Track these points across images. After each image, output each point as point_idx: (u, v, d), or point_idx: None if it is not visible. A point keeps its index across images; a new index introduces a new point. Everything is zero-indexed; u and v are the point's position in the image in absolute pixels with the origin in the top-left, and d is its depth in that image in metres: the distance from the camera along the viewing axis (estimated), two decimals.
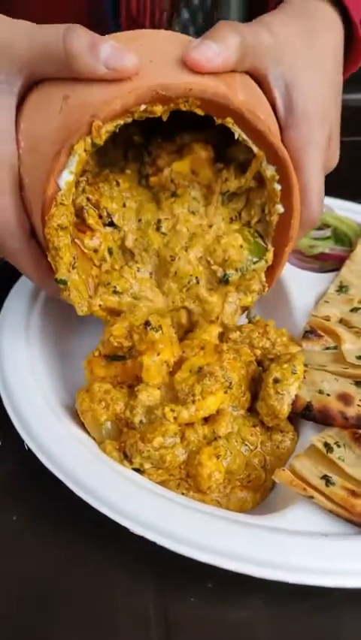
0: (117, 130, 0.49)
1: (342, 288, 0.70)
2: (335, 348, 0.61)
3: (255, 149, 0.53)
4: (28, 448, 0.53)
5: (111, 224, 0.60)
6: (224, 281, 0.61)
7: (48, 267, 0.53)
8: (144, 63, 0.49)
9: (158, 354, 0.56)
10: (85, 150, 0.48)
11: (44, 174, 0.49)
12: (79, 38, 0.47)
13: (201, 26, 0.91)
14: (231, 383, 0.55)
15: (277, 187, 0.56)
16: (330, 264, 0.77)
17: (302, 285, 0.72)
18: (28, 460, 0.52)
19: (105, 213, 0.59)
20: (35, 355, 0.63)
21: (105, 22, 0.84)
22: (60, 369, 0.65)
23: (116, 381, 0.58)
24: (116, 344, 0.57)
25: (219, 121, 0.51)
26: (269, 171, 0.55)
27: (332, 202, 0.87)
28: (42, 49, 0.48)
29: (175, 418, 0.51)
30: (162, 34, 0.58)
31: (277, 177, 0.55)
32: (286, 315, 0.69)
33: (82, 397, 0.55)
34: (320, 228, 0.82)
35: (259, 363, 0.61)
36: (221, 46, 0.50)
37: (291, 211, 0.57)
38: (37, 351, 0.64)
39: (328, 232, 0.81)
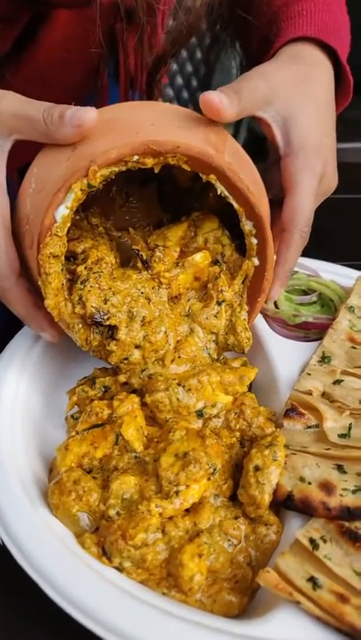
0: (112, 177, 0.56)
1: (325, 359, 0.67)
2: (317, 426, 0.58)
3: (235, 204, 0.59)
4: (3, 543, 0.48)
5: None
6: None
7: (34, 302, 0.61)
8: (146, 125, 0.57)
9: (136, 416, 0.57)
10: (81, 189, 0.55)
11: (45, 210, 0.55)
12: (54, 111, 0.55)
13: (194, 89, 0.95)
14: (215, 469, 0.52)
15: (254, 241, 0.61)
16: (314, 332, 0.74)
17: (287, 355, 0.69)
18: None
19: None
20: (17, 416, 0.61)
21: (106, 89, 0.95)
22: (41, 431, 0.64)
23: (92, 451, 0.55)
24: (97, 411, 0.58)
25: (204, 177, 0.58)
26: (247, 226, 0.60)
27: (317, 265, 0.85)
28: (27, 121, 0.56)
29: (161, 514, 0.47)
30: (167, 105, 0.65)
31: (254, 232, 0.60)
32: (270, 387, 0.66)
33: (53, 490, 0.51)
34: (305, 293, 0.80)
35: (241, 442, 0.58)
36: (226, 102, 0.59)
37: (265, 263, 0.62)
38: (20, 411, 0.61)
39: (313, 297, 0.79)
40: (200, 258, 0.64)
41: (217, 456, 0.53)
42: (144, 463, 0.55)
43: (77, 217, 0.70)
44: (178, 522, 0.49)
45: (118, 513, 0.49)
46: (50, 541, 0.47)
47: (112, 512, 0.49)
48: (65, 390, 0.68)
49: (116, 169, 0.56)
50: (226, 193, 0.59)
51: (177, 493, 0.49)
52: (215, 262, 0.67)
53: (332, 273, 0.84)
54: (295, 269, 0.84)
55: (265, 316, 0.76)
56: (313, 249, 0.73)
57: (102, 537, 0.48)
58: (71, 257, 0.64)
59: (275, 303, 0.78)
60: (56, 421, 0.66)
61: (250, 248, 0.62)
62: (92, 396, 0.62)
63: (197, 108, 0.63)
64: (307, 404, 0.60)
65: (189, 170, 0.58)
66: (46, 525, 0.49)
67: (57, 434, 0.64)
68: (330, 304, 0.78)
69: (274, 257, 0.63)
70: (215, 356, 0.64)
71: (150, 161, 0.56)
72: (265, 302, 0.66)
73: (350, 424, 0.57)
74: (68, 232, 0.65)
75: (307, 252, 0.69)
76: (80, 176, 0.54)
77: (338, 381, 0.64)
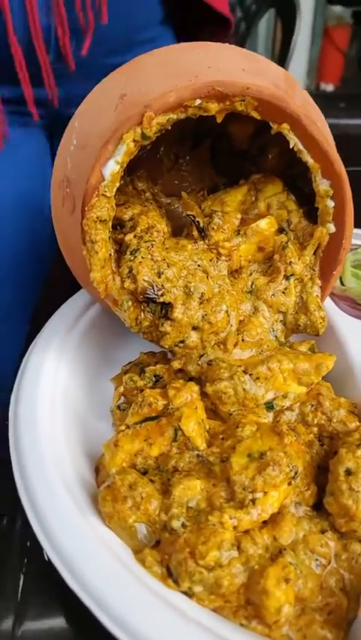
0: (170, 126, 0.48)
1: None
2: None
3: (310, 160, 0.50)
4: (48, 559, 0.40)
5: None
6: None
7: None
8: (203, 68, 0.48)
9: (197, 408, 0.48)
10: (134, 140, 0.46)
11: (90, 167, 0.47)
12: None
13: None
14: (296, 472, 0.43)
15: (330, 204, 0.52)
16: None
17: (358, 336, 0.60)
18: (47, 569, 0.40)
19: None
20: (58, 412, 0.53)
21: None
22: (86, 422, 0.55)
23: (147, 448, 0.47)
24: (151, 402, 0.49)
25: (275, 127, 0.49)
26: (323, 186, 0.52)
27: None
28: None
29: (235, 527, 0.39)
30: (224, 46, 0.55)
31: (330, 192, 0.51)
32: (345, 376, 0.57)
33: (104, 496, 0.43)
34: None
35: (319, 439, 0.49)
36: None
37: (343, 229, 0.53)
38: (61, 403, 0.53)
39: None
40: (265, 225, 0.55)
41: (298, 456, 0.44)
42: (208, 464, 0.46)
43: (122, 181, 0.61)
44: (256, 537, 0.40)
45: (184, 525, 0.41)
46: (105, 558, 0.39)
47: (176, 524, 0.41)
48: (109, 377, 0.60)
49: (175, 116, 0.47)
50: (300, 146, 0.50)
51: (253, 501, 0.41)
52: (281, 230, 0.58)
53: None
54: (357, 241, 0.74)
55: (332, 295, 0.67)
56: None
57: (166, 554, 0.40)
58: (117, 225, 0.55)
59: (340, 280, 0.68)
60: (99, 411, 0.58)
61: (326, 212, 0.53)
62: (141, 387, 0.54)
63: None
64: None
65: (258, 118, 0.49)
66: (98, 538, 0.41)
67: (102, 427, 0.56)
68: None
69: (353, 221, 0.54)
70: (282, 339, 0.56)
71: (213, 107, 0.47)
72: None
73: None
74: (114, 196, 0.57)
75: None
76: (133, 125, 0.46)
77: None
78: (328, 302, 0.65)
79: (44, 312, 0.63)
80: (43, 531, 0.41)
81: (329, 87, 3.41)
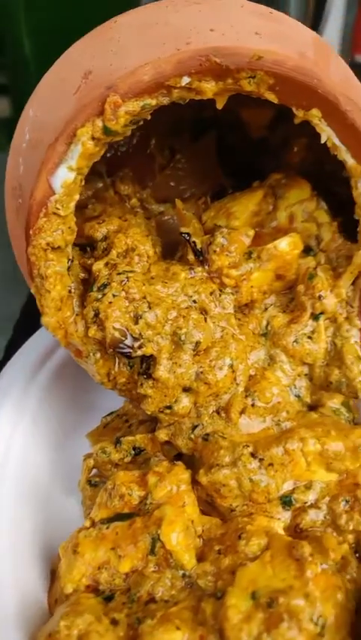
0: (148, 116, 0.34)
1: None
2: None
3: (350, 160, 0.36)
4: None
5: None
6: None
7: None
8: (203, 30, 0.33)
9: (184, 505, 0.35)
10: (93, 138, 0.33)
11: (35, 176, 0.34)
12: None
13: None
14: (323, 626, 0.29)
15: None
16: None
17: None
18: None
19: None
20: None
21: None
22: None
23: (114, 560, 0.34)
24: (123, 493, 0.36)
25: (300, 114, 0.35)
26: None
27: None
28: None
29: None
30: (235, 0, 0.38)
31: None
32: None
33: None
34: None
35: (356, 551, 0.35)
36: None
37: None
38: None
39: None
40: (287, 246, 0.41)
41: (326, 599, 0.30)
42: (198, 592, 0.33)
43: (100, 185, 0.47)
44: None
45: None
46: None
47: None
48: (86, 430, 0.47)
49: (153, 101, 0.33)
50: (336, 140, 0.35)
51: None
52: (307, 250, 0.44)
53: None
54: None
55: None
56: None
57: None
58: (88, 246, 0.42)
59: None
60: (69, 484, 0.45)
61: None
62: (116, 461, 0.40)
63: None
64: None
65: (276, 101, 0.34)
66: None
67: (70, 506, 0.43)
68: None
69: None
70: (308, 399, 0.41)
71: (209, 87, 0.33)
72: None
73: None
74: (84, 207, 0.43)
75: None
76: (92, 115, 0.32)
77: None
78: None
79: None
80: None
81: None
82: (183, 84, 0.32)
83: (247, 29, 0.36)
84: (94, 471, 0.42)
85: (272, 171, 0.46)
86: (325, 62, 0.38)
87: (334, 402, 0.43)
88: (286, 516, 0.36)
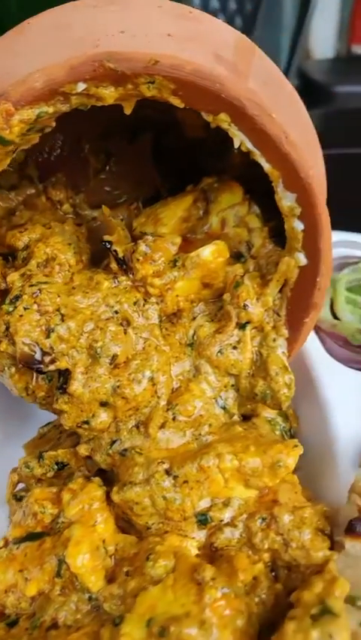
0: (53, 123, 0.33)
1: None
2: None
3: (266, 164, 0.35)
4: None
5: None
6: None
7: None
8: (112, 32, 0.32)
9: (95, 524, 0.34)
10: None
11: None
12: None
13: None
14: None
15: (299, 226, 0.36)
16: None
17: (351, 398, 0.43)
18: None
19: None
20: None
21: None
22: None
23: (22, 584, 0.33)
24: (36, 511, 0.35)
25: (209, 118, 0.34)
26: (287, 201, 0.35)
27: None
28: None
29: None
30: (153, 1, 0.37)
31: (297, 211, 0.35)
32: (323, 454, 0.41)
33: None
34: None
35: (273, 570, 0.34)
36: None
37: (317, 263, 0.37)
38: None
39: None
40: (210, 254, 0.39)
41: (224, 625, 0.29)
42: (103, 616, 0.32)
43: (32, 191, 0.46)
44: None
45: None
46: None
47: None
48: (22, 441, 0.46)
49: (51, 109, 0.32)
50: (250, 145, 0.34)
51: None
52: (238, 257, 0.42)
53: None
54: (358, 252, 0.57)
55: (318, 330, 0.50)
56: None
57: None
58: (10, 255, 0.41)
59: (331, 309, 0.52)
60: (2, 494, 0.44)
61: (293, 236, 0.37)
62: (39, 476, 0.39)
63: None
64: None
65: (182, 106, 0.33)
66: None
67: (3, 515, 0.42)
68: None
69: (332, 251, 0.37)
70: (235, 411, 0.40)
71: (108, 93, 0.32)
72: None
73: None
74: (12, 214, 0.42)
75: None
76: None
77: None
78: (312, 342, 0.49)
79: None
80: None
81: None
82: (79, 90, 0.31)
83: (159, 31, 0.35)
84: (22, 485, 0.42)
85: (217, 173, 0.45)
86: (245, 63, 0.36)
87: (269, 412, 0.42)
88: (201, 535, 0.34)
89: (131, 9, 0.37)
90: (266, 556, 0.34)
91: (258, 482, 0.35)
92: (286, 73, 1.84)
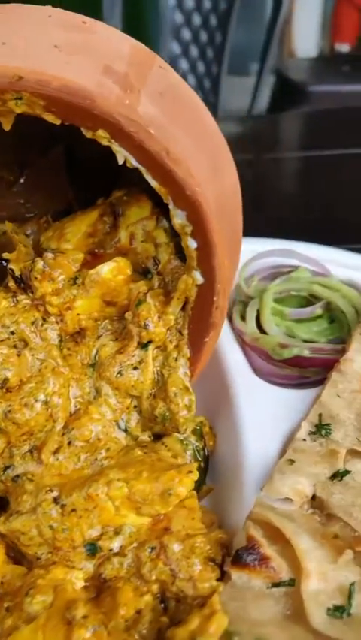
0: None
1: (321, 429, 0.40)
2: (290, 583, 0.32)
3: (153, 182, 0.33)
4: None
5: None
6: None
7: None
8: None
9: None
10: None
11: None
12: None
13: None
14: None
15: (192, 244, 0.35)
16: (313, 371, 0.47)
17: (266, 416, 0.42)
18: None
19: None
20: None
21: None
22: None
23: None
24: None
25: (89, 135, 0.33)
26: (178, 218, 0.34)
27: (329, 254, 0.57)
28: None
29: None
30: (39, 9, 0.36)
31: (188, 229, 0.33)
32: (234, 476, 0.40)
33: None
34: (306, 303, 0.52)
35: (162, 601, 0.33)
36: None
37: (212, 282, 0.36)
38: None
39: (317, 309, 0.51)
40: (108, 272, 0.38)
41: None
42: None
43: None
44: None
45: None
46: None
47: None
48: None
49: None
50: (134, 162, 0.33)
51: None
52: (145, 273, 0.41)
53: (353, 269, 0.56)
54: (295, 262, 0.56)
55: (243, 344, 0.49)
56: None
57: None
58: None
59: (258, 322, 0.51)
60: None
61: (189, 255, 0.35)
62: None
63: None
64: (276, 534, 0.33)
65: (58, 122, 0.32)
66: None
67: None
68: (343, 322, 0.50)
69: (228, 270, 0.36)
70: (138, 432, 0.39)
71: None
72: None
73: (353, 584, 0.31)
74: None
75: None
76: None
77: (339, 475, 0.37)
78: (235, 354, 0.48)
79: None
80: None
81: (345, 47, 3.12)
82: None
83: (44, 42, 0.33)
84: None
85: (122, 188, 0.44)
86: (139, 75, 0.35)
87: (187, 429, 0.41)
88: (88, 565, 0.33)
89: (17, 19, 0.35)
90: (155, 587, 0.32)
91: (150, 509, 0.34)
92: (260, 71, 1.82)
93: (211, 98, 1.85)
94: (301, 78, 1.99)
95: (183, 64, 1.82)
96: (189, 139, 0.36)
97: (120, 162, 0.33)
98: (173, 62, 1.79)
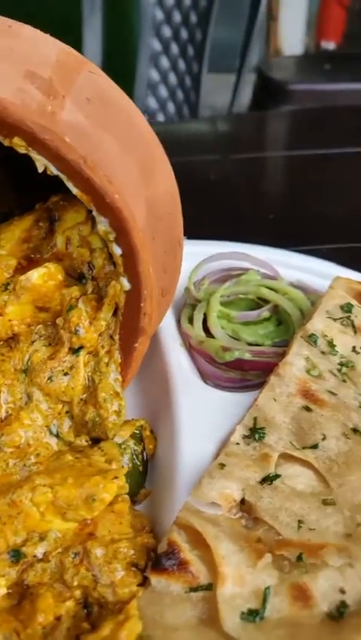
0: None
1: (255, 433, 0.40)
2: (208, 588, 0.32)
3: (74, 190, 0.33)
4: None
5: None
6: None
7: None
8: None
9: None
10: None
11: None
12: None
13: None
14: None
15: (117, 251, 0.35)
16: (255, 374, 0.47)
17: (205, 419, 0.42)
18: None
19: None
20: None
21: None
22: None
23: None
24: None
25: (6, 143, 0.32)
26: (102, 225, 0.34)
27: (280, 256, 0.57)
28: None
29: None
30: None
31: (112, 235, 0.34)
32: (169, 480, 0.40)
33: None
34: (256, 306, 0.52)
35: (85, 607, 0.33)
36: None
37: (138, 288, 0.36)
38: None
39: (265, 312, 0.51)
40: (39, 278, 0.38)
41: None
42: None
43: None
44: None
45: None
46: None
47: None
48: None
49: None
50: (54, 169, 0.33)
51: None
52: (80, 278, 0.41)
53: (304, 271, 0.56)
54: (245, 264, 0.56)
55: (190, 348, 0.49)
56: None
57: None
58: None
59: (204, 324, 0.51)
60: None
61: (116, 261, 0.36)
62: None
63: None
64: (199, 540, 0.33)
65: None
66: None
67: None
68: (290, 324, 0.50)
69: (154, 276, 0.36)
70: (71, 438, 0.39)
71: None
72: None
73: (268, 588, 0.31)
74: None
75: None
76: None
77: (269, 479, 0.37)
78: (180, 355, 0.48)
79: None
80: None
81: (330, 45, 3.12)
82: None
83: None
84: None
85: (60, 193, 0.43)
86: (65, 80, 0.35)
87: (121, 434, 0.41)
88: (11, 572, 0.33)
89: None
90: (77, 593, 0.33)
91: (75, 515, 0.34)
92: (239, 70, 1.82)
93: (192, 95, 1.85)
94: (283, 76, 1.99)
95: (165, 62, 1.82)
96: (117, 144, 0.36)
97: (40, 170, 0.33)
98: (154, 60, 1.78)
